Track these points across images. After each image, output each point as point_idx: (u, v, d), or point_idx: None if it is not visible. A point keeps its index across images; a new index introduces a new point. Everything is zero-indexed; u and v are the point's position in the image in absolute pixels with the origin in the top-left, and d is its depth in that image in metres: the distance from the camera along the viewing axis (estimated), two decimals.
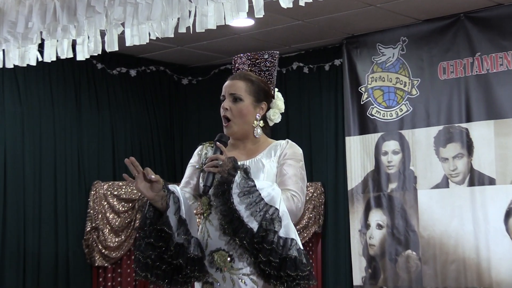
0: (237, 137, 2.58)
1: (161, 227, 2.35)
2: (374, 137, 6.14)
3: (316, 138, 6.61)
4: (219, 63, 7.09)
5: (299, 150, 2.57)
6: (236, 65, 2.68)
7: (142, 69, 6.96)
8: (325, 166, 6.51)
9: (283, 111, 2.65)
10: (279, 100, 2.64)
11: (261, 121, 2.57)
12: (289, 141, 2.58)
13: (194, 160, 2.63)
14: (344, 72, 6.33)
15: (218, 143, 2.43)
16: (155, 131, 7.00)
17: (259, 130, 2.56)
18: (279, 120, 2.64)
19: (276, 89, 2.67)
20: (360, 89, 6.26)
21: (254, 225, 2.29)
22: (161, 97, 7.13)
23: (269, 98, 2.60)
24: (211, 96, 6.32)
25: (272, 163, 2.51)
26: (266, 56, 2.63)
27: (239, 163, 2.39)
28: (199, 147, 2.66)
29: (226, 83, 2.59)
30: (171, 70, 7.23)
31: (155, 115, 7.03)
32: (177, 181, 2.75)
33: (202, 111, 7.32)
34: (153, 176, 2.34)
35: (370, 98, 6.21)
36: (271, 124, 2.64)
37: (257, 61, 2.63)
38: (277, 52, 2.68)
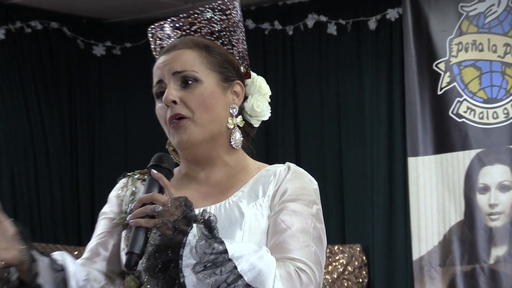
0: (195, 155, 2.62)
1: None
2: (463, 158, 6.21)
3: (352, 159, 6.69)
4: (163, 15, 7.13)
5: (311, 184, 2.61)
6: (157, 41, 2.73)
7: (17, 28, 7.06)
8: (369, 214, 6.58)
9: (269, 99, 2.70)
10: (259, 80, 2.70)
11: (240, 117, 2.64)
12: (292, 165, 2.61)
13: (110, 207, 2.70)
14: (406, 33, 6.43)
15: (154, 171, 2.47)
16: (42, 143, 7.09)
17: (237, 135, 2.63)
18: (269, 115, 2.70)
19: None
20: (436, 66, 6.33)
21: None
22: (53, 79, 7.21)
23: (241, 75, 2.66)
24: (148, 76, 6.37)
25: (259, 210, 2.56)
26: (209, 15, 2.66)
27: (196, 210, 2.41)
28: (121, 182, 2.73)
29: (161, 59, 2.63)
30: (72, 30, 7.32)
31: (40, 112, 7.10)
32: (83, 244, 2.77)
33: (131, 105, 7.38)
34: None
35: (455, 83, 6.29)
36: (255, 123, 2.69)
37: (194, 27, 2.66)
38: None
